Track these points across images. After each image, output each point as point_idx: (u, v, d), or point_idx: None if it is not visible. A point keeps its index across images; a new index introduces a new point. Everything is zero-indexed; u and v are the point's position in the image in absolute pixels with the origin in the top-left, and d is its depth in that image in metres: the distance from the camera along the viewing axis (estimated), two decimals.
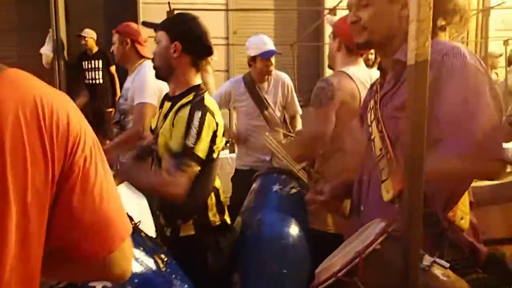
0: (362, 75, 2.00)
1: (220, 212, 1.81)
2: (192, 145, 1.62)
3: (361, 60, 2.06)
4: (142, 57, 2.92)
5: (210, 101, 1.77)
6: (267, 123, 3.09)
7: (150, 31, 2.02)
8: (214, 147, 1.73)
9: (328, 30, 5.84)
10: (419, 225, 0.88)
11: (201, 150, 1.65)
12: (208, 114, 1.68)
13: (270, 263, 1.83)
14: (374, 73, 1.95)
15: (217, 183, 1.85)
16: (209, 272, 1.71)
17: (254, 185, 2.30)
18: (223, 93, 3.21)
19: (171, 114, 1.72)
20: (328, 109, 1.86)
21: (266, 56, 3.05)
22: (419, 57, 0.83)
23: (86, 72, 5.57)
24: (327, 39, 6.18)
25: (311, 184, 1.70)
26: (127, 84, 2.94)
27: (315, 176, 1.89)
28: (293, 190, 2.08)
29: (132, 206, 1.91)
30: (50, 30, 5.56)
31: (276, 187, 2.13)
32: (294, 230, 1.92)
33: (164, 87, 2.86)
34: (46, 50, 5.45)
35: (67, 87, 5.74)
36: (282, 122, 3.25)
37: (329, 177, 1.84)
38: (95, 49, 5.57)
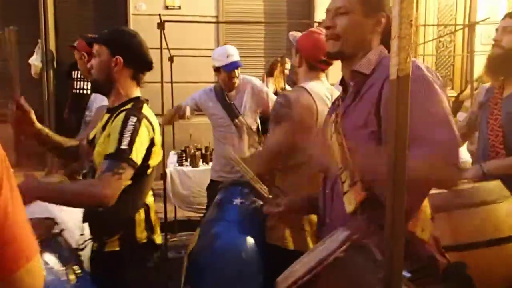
0: (322, 90, 2.01)
1: (148, 229, 1.75)
2: (126, 148, 1.57)
3: (322, 76, 2.08)
4: None
5: (149, 112, 1.75)
6: (237, 131, 3.10)
7: None
8: (150, 162, 1.70)
9: None
10: (401, 236, 0.89)
11: (136, 155, 1.59)
12: (144, 121, 1.66)
13: (224, 277, 1.82)
14: (336, 89, 1.98)
15: (150, 200, 1.81)
16: None
17: (217, 197, 2.30)
18: (196, 99, 3.26)
19: (108, 125, 1.71)
20: (286, 125, 1.87)
21: (228, 69, 3.08)
22: (401, 72, 0.85)
23: (75, 82, 5.55)
24: None
25: (271, 198, 1.70)
26: (92, 97, 2.98)
27: (276, 191, 1.90)
28: (254, 205, 2.07)
29: (64, 212, 1.85)
30: (39, 40, 5.55)
31: (237, 201, 2.12)
32: (250, 244, 1.90)
33: None
34: (35, 61, 5.43)
35: (55, 98, 5.71)
36: (255, 129, 3.26)
37: (288, 192, 1.85)
38: None
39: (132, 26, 6.28)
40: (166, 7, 6.30)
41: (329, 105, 1.92)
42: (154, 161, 1.73)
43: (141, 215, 1.73)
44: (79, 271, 1.40)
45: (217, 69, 3.14)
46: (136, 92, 1.83)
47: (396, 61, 0.85)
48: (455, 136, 1.11)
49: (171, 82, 4.87)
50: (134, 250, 1.69)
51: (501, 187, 1.61)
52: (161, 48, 3.39)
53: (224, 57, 3.09)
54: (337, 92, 2.08)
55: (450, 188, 1.28)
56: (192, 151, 4.45)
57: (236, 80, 3.13)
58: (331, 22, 1.28)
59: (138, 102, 1.77)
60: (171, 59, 4.69)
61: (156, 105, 3.91)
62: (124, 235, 1.68)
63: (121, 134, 1.59)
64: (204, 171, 4.02)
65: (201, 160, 4.37)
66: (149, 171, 1.72)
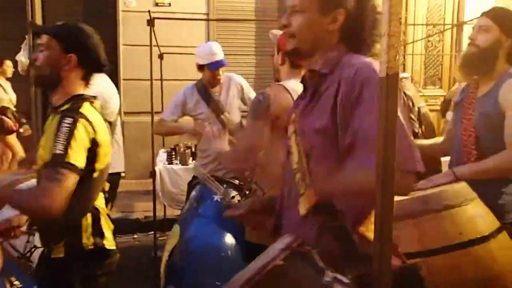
0: (300, 87, 2.04)
1: (97, 235, 1.66)
2: (61, 152, 1.48)
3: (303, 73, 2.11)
4: None
5: (90, 111, 1.64)
6: (223, 127, 3.05)
7: None
8: (95, 165, 1.62)
9: None
10: (389, 238, 0.88)
11: (75, 158, 1.51)
12: (82, 121, 1.56)
13: (204, 275, 1.81)
14: None
15: (100, 203, 1.73)
16: None
17: (194, 193, 2.27)
18: (179, 103, 3.17)
19: (47, 126, 1.63)
20: (263, 122, 1.86)
21: (213, 67, 3.06)
22: (390, 70, 0.84)
23: None
24: None
25: (250, 196, 1.69)
26: None
27: (254, 187, 1.90)
28: (234, 201, 2.06)
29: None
30: (26, 36, 5.47)
31: (217, 197, 2.11)
32: (230, 241, 1.89)
33: (108, 95, 2.85)
34: (22, 57, 5.36)
35: (43, 95, 5.65)
36: (240, 125, 3.24)
37: (266, 188, 1.84)
38: None
39: (121, 23, 6.23)
40: (156, 4, 6.25)
41: None
42: (101, 163, 1.64)
43: (88, 220, 1.65)
44: (18, 283, 1.34)
45: (201, 67, 3.12)
46: (82, 89, 1.72)
47: (386, 59, 0.84)
48: (408, 142, 1.09)
49: (161, 79, 4.84)
50: (79, 256, 1.62)
51: (467, 189, 1.61)
52: (150, 46, 3.37)
53: (209, 55, 3.07)
54: None
55: (405, 195, 1.24)
56: (182, 149, 4.43)
57: (220, 77, 3.11)
58: (286, 20, 1.25)
59: (78, 101, 1.66)
60: (160, 56, 4.66)
61: (145, 103, 3.90)
62: (69, 241, 1.61)
63: (56, 138, 1.50)
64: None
65: (190, 158, 4.35)
66: (95, 174, 1.63)
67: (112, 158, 2.90)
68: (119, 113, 3.17)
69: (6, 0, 5.60)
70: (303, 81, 1.39)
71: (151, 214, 3.80)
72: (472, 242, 1.46)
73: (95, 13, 6.15)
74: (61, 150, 1.48)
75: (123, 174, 3.20)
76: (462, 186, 1.62)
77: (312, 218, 1.21)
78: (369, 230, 1.16)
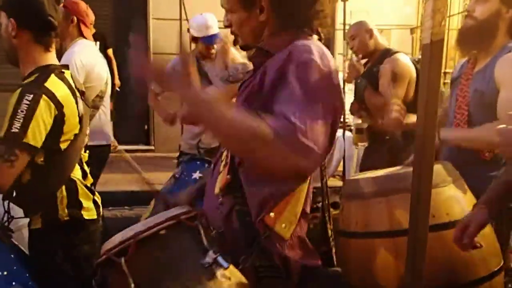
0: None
1: (73, 206, 1.64)
2: (17, 131, 1.43)
3: None
4: (81, 37, 2.83)
5: (56, 84, 1.57)
6: None
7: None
8: (62, 137, 1.57)
9: (340, 15, 5.78)
10: (425, 218, 0.87)
11: (34, 138, 1.46)
12: (44, 98, 1.50)
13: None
14: None
15: (77, 174, 1.70)
16: (61, 271, 1.61)
17: (176, 170, 2.26)
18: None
19: None
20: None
21: (208, 41, 2.95)
22: (435, 36, 0.82)
23: None
24: (338, 24, 6.13)
25: None
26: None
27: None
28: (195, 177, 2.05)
29: None
30: None
31: (196, 175, 2.09)
32: None
33: (94, 65, 2.74)
34: None
35: None
36: None
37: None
38: (92, 30, 5.54)
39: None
40: None
41: None
42: (69, 135, 1.60)
43: (63, 192, 1.63)
44: None
45: (194, 39, 3.06)
46: (46, 58, 1.63)
47: (430, 24, 0.81)
48: (319, 129, 1.00)
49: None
50: (56, 227, 1.62)
51: (449, 171, 1.51)
52: (180, 20, 3.36)
53: (203, 28, 2.96)
54: None
55: (290, 176, 1.11)
56: None
57: (213, 51, 3.01)
58: (227, 21, 1.24)
59: (43, 73, 1.58)
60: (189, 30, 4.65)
61: None
62: (45, 213, 1.61)
63: (13, 115, 1.45)
64: None
65: None
66: (63, 145, 1.60)
67: (99, 130, 2.93)
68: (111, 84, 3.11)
69: None
70: (250, 59, 1.36)
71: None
72: (445, 226, 1.38)
73: None
74: (17, 128, 1.44)
75: (117, 146, 3.21)
76: (440, 167, 1.51)
77: (223, 199, 1.18)
78: (279, 221, 1.11)
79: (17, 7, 1.60)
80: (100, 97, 2.93)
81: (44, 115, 1.49)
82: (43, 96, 1.49)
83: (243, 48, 1.29)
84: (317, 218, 1.42)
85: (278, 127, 0.95)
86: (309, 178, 1.18)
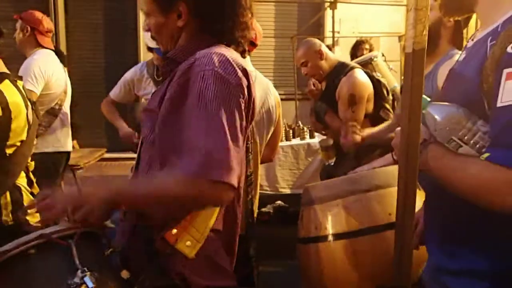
0: None
1: (18, 211, 1.68)
2: None
3: (246, 58, 2.11)
4: (40, 46, 2.88)
5: (9, 88, 1.64)
6: None
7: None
8: (8, 142, 1.62)
9: (328, 23, 5.84)
10: (410, 228, 0.89)
11: None
12: None
13: None
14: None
15: (22, 181, 1.75)
16: None
17: None
18: (127, 81, 2.99)
19: None
20: None
21: (159, 52, 2.96)
22: (417, 45, 0.84)
23: None
24: (327, 32, 6.20)
25: None
26: None
27: None
28: None
29: None
30: (48, 16, 5.54)
31: None
32: None
33: (52, 73, 2.81)
34: None
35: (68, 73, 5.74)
36: None
37: None
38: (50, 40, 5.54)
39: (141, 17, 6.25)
40: None
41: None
42: (14, 140, 1.64)
43: (7, 198, 1.67)
44: None
45: (149, 49, 3.06)
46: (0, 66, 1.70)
47: (412, 34, 0.84)
48: (226, 147, 0.96)
49: None
50: (1, 232, 1.65)
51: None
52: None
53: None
54: (260, 76, 2.10)
55: (216, 206, 1.08)
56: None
57: None
58: (146, 23, 1.21)
59: None
60: None
61: None
62: None
63: None
64: None
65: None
66: (9, 151, 1.64)
67: (55, 137, 2.94)
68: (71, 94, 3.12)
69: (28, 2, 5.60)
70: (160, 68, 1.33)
71: None
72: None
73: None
74: None
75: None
76: (395, 168, 1.59)
77: (126, 213, 1.15)
78: (181, 239, 1.04)
79: None
80: (59, 105, 2.95)
81: None
82: None
83: (164, 54, 1.22)
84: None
85: (184, 175, 0.94)
86: None
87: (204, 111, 0.97)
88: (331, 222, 1.55)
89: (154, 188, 0.99)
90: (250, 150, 1.21)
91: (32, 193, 1.77)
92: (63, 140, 3.00)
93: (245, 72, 1.07)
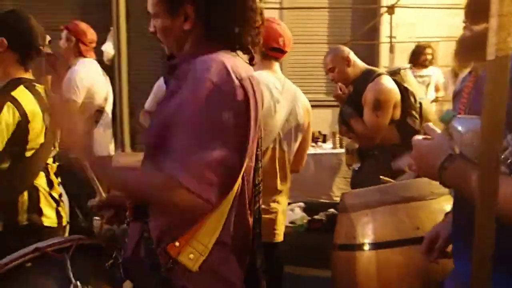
0: (270, 79, 2.00)
1: (33, 212, 1.74)
2: None
3: (275, 65, 2.07)
4: (82, 55, 3.07)
5: (23, 94, 1.71)
6: None
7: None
8: (28, 146, 1.70)
9: (385, 28, 5.72)
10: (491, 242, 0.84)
11: None
12: (8, 104, 1.64)
13: None
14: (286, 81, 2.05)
15: (41, 182, 1.80)
16: None
17: None
18: (156, 90, 3.10)
19: None
20: None
21: None
22: (500, 52, 0.80)
23: None
24: (383, 37, 6.07)
25: None
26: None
27: None
28: None
29: None
30: (111, 28, 5.80)
31: None
32: None
33: (93, 82, 2.99)
34: (107, 47, 5.68)
35: (128, 84, 5.98)
36: None
37: None
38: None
39: None
40: None
41: (275, 95, 1.95)
42: (33, 144, 1.72)
43: (24, 197, 1.74)
44: None
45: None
46: (19, 73, 1.80)
47: (495, 41, 0.80)
48: (203, 161, 0.95)
49: None
50: (15, 231, 1.72)
51: (437, 184, 1.50)
52: None
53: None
54: (289, 83, 2.10)
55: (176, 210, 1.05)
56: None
57: None
58: (152, 26, 1.19)
59: (13, 84, 1.74)
60: None
61: None
62: (6, 216, 1.72)
63: None
64: None
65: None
66: (28, 153, 1.72)
67: (97, 143, 3.08)
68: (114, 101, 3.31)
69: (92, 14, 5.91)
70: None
71: None
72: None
73: None
74: None
75: None
76: (431, 181, 1.53)
77: (133, 224, 1.14)
78: (186, 251, 1.03)
79: (11, 30, 1.78)
80: (100, 112, 3.11)
81: (6, 118, 1.62)
82: (8, 103, 1.64)
83: (168, 58, 1.22)
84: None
85: (166, 181, 0.95)
86: (229, 204, 1.08)
87: (191, 118, 0.99)
88: (359, 231, 1.55)
89: (130, 175, 1.04)
90: (259, 159, 1.20)
91: (51, 195, 1.84)
92: (104, 145, 3.17)
93: (245, 80, 1.05)
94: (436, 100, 5.03)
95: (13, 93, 1.70)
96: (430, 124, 1.06)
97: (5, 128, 1.63)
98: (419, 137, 1.05)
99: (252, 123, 1.06)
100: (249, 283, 1.17)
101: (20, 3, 5.28)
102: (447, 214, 1.32)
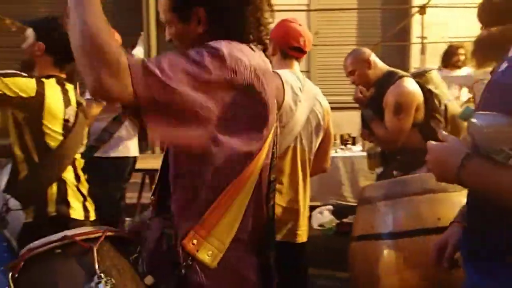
0: (291, 77, 1.99)
1: (61, 204, 1.83)
2: None
3: (295, 64, 2.07)
4: None
5: (51, 83, 1.85)
6: None
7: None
8: (46, 130, 1.80)
9: (415, 29, 5.60)
10: None
11: (7, 84, 1.70)
12: (33, 80, 1.78)
13: None
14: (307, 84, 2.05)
15: (69, 176, 1.89)
16: None
17: None
18: None
19: None
20: None
21: None
22: None
23: None
24: (413, 38, 5.95)
25: None
26: None
27: None
28: None
29: None
30: (142, 33, 5.92)
31: None
32: None
33: None
34: (138, 52, 5.80)
35: None
36: None
37: None
38: None
39: None
40: None
41: (298, 94, 1.94)
42: (54, 132, 1.82)
43: (53, 189, 1.82)
44: None
45: None
46: (55, 73, 1.94)
47: None
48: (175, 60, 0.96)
49: None
50: (44, 222, 1.78)
51: None
52: None
53: None
54: (309, 83, 2.09)
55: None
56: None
57: None
58: (167, 33, 1.19)
59: (46, 76, 1.87)
60: None
61: None
62: (36, 207, 1.80)
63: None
64: None
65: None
66: (53, 143, 1.83)
67: (123, 143, 3.11)
68: None
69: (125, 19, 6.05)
70: None
71: None
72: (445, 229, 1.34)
73: None
74: None
75: None
76: None
77: (156, 220, 1.14)
78: (204, 248, 1.03)
79: (49, 36, 1.90)
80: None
81: (25, 80, 1.75)
82: (33, 79, 1.78)
83: None
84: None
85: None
86: (247, 201, 1.09)
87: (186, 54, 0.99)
88: (379, 221, 1.57)
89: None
90: (274, 156, 1.20)
91: (78, 189, 1.93)
92: (129, 146, 3.22)
93: (252, 68, 1.05)
94: (469, 100, 4.88)
95: (42, 79, 1.84)
96: (444, 132, 1.06)
97: (23, 83, 1.75)
98: (433, 142, 1.05)
99: (261, 106, 1.08)
100: (262, 281, 1.17)
101: (54, 10, 5.46)
102: (452, 222, 1.29)
